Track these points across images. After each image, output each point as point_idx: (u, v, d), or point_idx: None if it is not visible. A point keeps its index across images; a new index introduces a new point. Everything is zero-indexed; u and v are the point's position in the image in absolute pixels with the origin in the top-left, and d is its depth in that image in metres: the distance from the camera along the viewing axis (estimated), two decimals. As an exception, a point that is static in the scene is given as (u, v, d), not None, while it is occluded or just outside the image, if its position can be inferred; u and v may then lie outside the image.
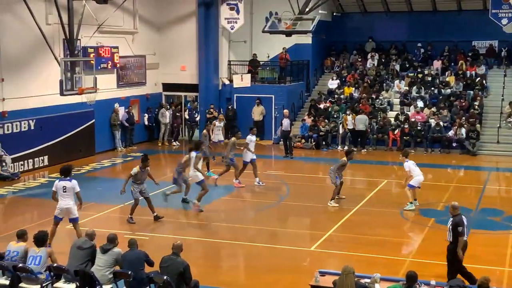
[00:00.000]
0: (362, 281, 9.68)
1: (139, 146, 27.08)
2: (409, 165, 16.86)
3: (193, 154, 16.90)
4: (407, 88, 29.19)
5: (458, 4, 30.65)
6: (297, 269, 12.81)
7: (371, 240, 14.56)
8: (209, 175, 20.39)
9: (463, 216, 11.33)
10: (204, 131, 21.82)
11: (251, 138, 19.85)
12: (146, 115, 28.08)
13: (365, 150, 26.12)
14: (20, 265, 10.29)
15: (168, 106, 28.31)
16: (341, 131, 26.82)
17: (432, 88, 28.94)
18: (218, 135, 23.51)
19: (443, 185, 20.59)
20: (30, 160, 21.74)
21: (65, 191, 13.32)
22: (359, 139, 26.51)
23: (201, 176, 16.79)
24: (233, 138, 19.94)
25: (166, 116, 27.75)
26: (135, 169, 15.74)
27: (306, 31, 25.39)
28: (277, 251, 14.14)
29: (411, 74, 30.05)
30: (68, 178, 13.48)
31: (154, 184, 16.54)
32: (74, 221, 13.55)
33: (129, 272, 10.02)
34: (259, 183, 19.75)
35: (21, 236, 10.86)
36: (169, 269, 9.91)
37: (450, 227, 11.24)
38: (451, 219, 11.32)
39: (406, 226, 15.93)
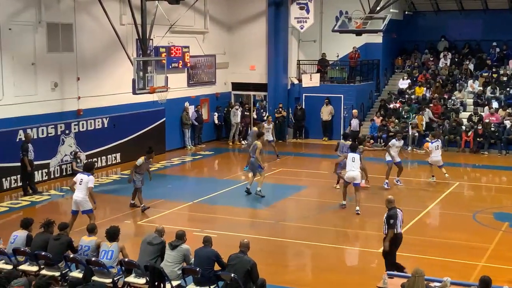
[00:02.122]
0: (432, 284, 9.48)
1: (208, 145, 27.39)
2: (431, 146, 19.62)
3: (355, 155, 16.64)
4: (481, 88, 28.37)
5: (537, 1, 29.60)
6: (364, 270, 12.67)
7: (442, 243, 14.23)
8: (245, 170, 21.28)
9: (398, 210, 11.49)
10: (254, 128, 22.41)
11: (395, 143, 19.72)
12: (215, 113, 28.38)
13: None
14: (93, 259, 10.57)
15: (239, 106, 28.50)
16: (410, 132, 26.26)
17: (508, 89, 28.02)
18: (267, 136, 23.93)
19: (518, 188, 19.94)
20: (104, 157, 22.34)
21: (81, 184, 13.96)
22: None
23: (359, 179, 16.68)
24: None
25: (237, 115, 27.94)
26: (140, 160, 16.41)
27: (376, 30, 25.10)
28: (344, 251, 14.02)
29: (486, 74, 29.19)
30: (89, 173, 14.10)
31: (148, 178, 16.82)
32: (87, 213, 14.01)
33: (197, 269, 10.14)
34: (398, 182, 19.60)
35: (92, 230, 11.17)
36: (237, 267, 9.97)
37: (385, 220, 11.47)
38: (386, 212, 11.58)
39: (479, 230, 15.46)
